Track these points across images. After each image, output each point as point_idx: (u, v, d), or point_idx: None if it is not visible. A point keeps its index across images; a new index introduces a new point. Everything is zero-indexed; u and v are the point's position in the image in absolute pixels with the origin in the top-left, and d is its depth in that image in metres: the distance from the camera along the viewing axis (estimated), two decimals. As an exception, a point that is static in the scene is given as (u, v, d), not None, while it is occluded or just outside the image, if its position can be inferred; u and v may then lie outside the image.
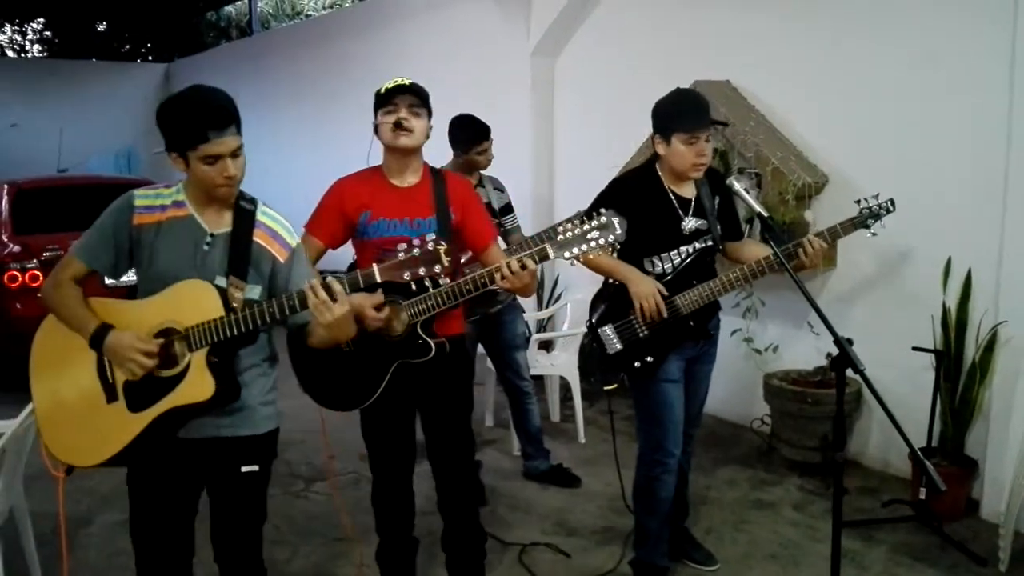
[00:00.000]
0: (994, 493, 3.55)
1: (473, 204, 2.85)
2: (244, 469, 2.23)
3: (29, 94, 12.00)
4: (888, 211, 2.91)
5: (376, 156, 2.82)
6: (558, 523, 3.74)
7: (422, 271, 2.04)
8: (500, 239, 3.90)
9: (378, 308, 2.48)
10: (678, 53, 5.03)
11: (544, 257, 2.31)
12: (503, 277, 2.38)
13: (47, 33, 16.65)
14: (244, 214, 2.20)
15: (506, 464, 4.42)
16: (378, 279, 2.04)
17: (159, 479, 2.24)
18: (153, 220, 2.17)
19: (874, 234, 2.91)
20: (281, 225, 2.25)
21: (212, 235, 2.17)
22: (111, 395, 2.16)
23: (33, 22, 16.48)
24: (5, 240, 6.00)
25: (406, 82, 2.69)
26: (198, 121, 2.02)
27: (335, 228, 2.74)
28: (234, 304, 2.10)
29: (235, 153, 2.07)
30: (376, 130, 2.72)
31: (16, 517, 3.04)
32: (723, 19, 4.80)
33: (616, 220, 2.25)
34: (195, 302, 2.10)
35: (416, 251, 2.04)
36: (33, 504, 3.19)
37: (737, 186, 2.71)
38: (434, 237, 2.08)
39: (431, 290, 2.60)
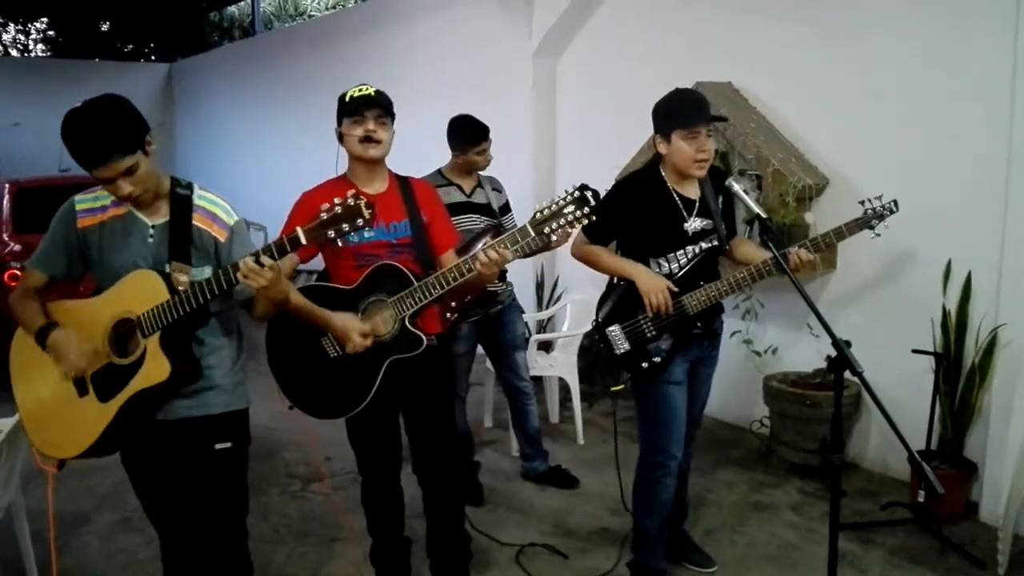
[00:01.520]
0: (993, 496, 3.54)
1: (439, 207, 2.93)
2: (218, 446, 2.32)
3: (32, 93, 12.00)
4: (892, 212, 2.90)
5: (344, 164, 2.85)
6: (556, 524, 3.73)
7: (345, 226, 2.07)
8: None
9: (366, 327, 2.60)
10: (679, 54, 5.02)
11: (525, 235, 2.44)
12: (483, 264, 2.49)
13: (51, 33, 16.67)
14: (180, 200, 2.27)
15: (505, 465, 4.42)
16: (303, 240, 2.08)
17: (147, 462, 2.36)
18: (95, 221, 2.27)
19: (877, 235, 2.91)
20: (218, 206, 2.32)
21: (153, 226, 2.26)
22: (82, 389, 2.28)
23: (37, 22, 16.49)
24: (6, 239, 6.02)
25: (372, 92, 2.71)
26: (76, 156, 2.07)
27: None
28: (180, 287, 2.17)
29: (126, 172, 2.09)
30: (341, 138, 2.76)
31: (12, 515, 3.04)
32: (724, 21, 4.80)
33: (589, 192, 2.39)
34: (143, 290, 2.19)
35: (338, 208, 2.07)
36: (31, 502, 3.19)
37: (736, 187, 2.70)
38: (354, 192, 2.11)
39: (414, 283, 2.62)
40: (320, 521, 3.79)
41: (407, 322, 2.66)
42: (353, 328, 2.60)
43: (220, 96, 11.74)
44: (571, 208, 2.39)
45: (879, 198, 2.91)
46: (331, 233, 2.08)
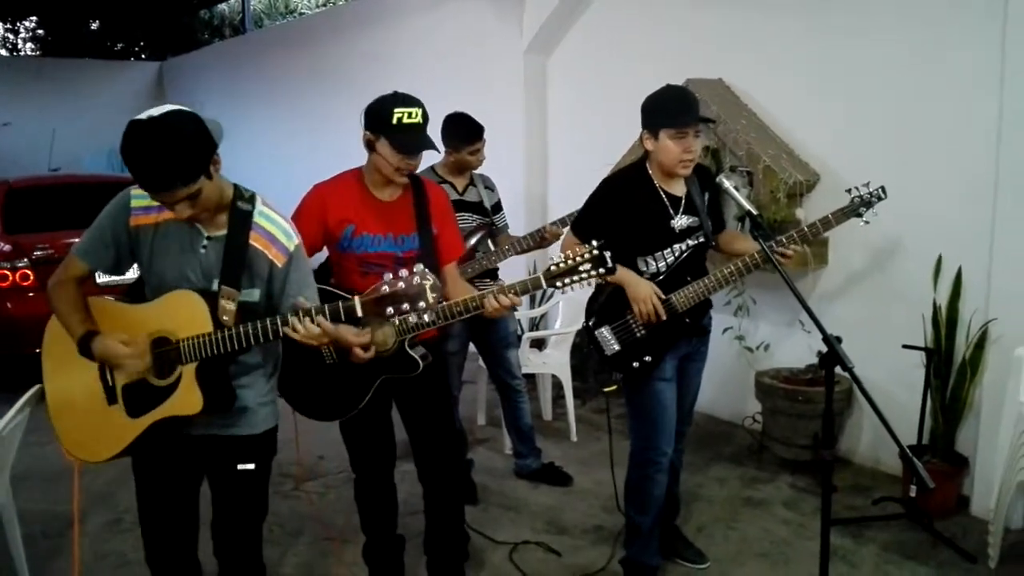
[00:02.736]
0: (984, 490, 3.56)
1: (450, 217, 2.89)
2: (240, 467, 2.25)
3: (21, 93, 11.95)
4: (880, 198, 2.86)
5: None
6: (549, 522, 3.73)
7: (405, 306, 1.98)
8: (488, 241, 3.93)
9: (370, 351, 2.51)
10: (670, 51, 5.02)
11: (537, 287, 2.37)
12: (492, 308, 2.42)
13: (40, 32, 16.60)
14: (240, 216, 2.16)
15: (498, 463, 4.41)
16: (359, 313, 2.01)
17: (161, 469, 2.29)
18: (150, 221, 2.17)
19: (866, 222, 2.87)
20: (279, 227, 2.21)
21: (208, 238, 2.16)
22: (111, 398, 2.23)
23: (26, 20, 16.42)
24: (-4, 239, 5.98)
25: (418, 119, 2.62)
26: (136, 176, 1.99)
27: (314, 235, 2.68)
28: (224, 317, 2.09)
29: (191, 197, 2.00)
30: (370, 145, 2.67)
31: (3, 517, 3.02)
32: (715, 17, 4.80)
33: (608, 253, 2.31)
34: (185, 314, 2.11)
35: (401, 284, 1.98)
36: (22, 504, 3.17)
37: (727, 184, 2.70)
38: (421, 268, 2.00)
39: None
40: (313, 520, 3.78)
41: (406, 344, 2.65)
42: (353, 343, 2.46)
43: (211, 94, 11.69)
44: (587, 266, 2.32)
45: (866, 185, 2.88)
46: (390, 310, 1.98)
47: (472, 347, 4.13)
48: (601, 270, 2.31)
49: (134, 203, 2.17)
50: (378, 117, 2.62)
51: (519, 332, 4.36)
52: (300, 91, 9.33)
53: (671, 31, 5.08)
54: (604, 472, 3.65)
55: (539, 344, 5.32)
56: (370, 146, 2.67)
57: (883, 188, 2.89)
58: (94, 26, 16.18)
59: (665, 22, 5.13)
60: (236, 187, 2.20)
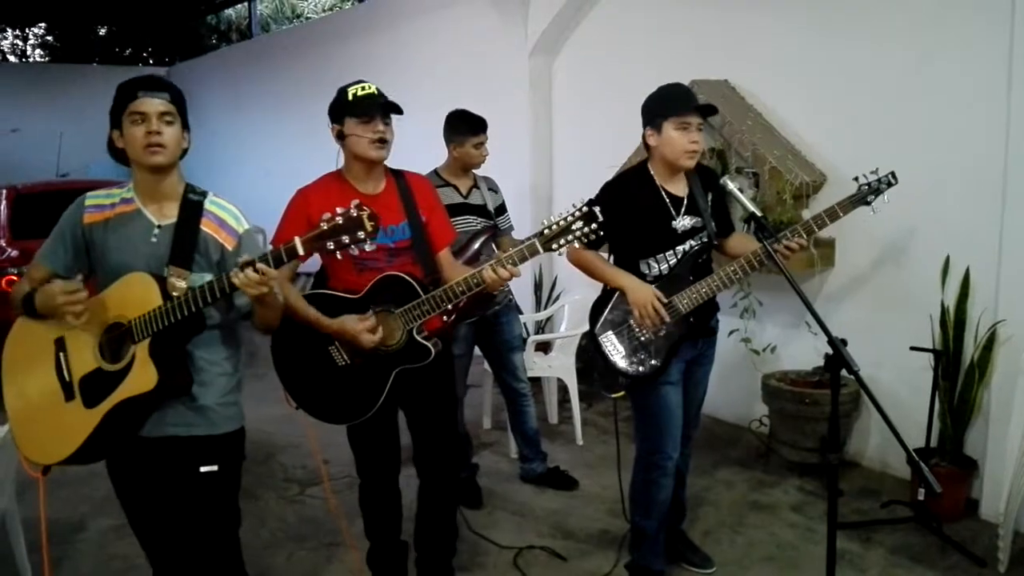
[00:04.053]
0: (994, 493, 3.52)
1: (437, 203, 2.91)
2: (203, 469, 2.24)
3: (30, 99, 12.01)
4: (890, 184, 2.77)
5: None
6: (555, 526, 3.71)
7: (346, 239, 2.01)
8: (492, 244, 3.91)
9: (375, 339, 2.59)
10: (675, 52, 5.00)
11: (533, 252, 2.45)
12: (491, 280, 2.50)
13: (49, 38, 16.68)
14: (191, 204, 2.23)
15: (503, 467, 4.40)
16: (300, 251, 2.04)
17: (133, 477, 2.29)
18: (102, 217, 2.23)
19: (875, 211, 2.78)
20: (228, 212, 2.28)
21: (159, 226, 2.21)
22: (69, 393, 2.22)
23: (35, 27, 16.50)
24: (3, 245, 6.02)
25: (375, 91, 2.69)
26: (132, 84, 2.14)
27: None
28: (174, 293, 2.12)
29: (162, 116, 2.12)
30: (340, 136, 2.71)
31: (7, 523, 3.02)
32: (721, 18, 4.78)
33: (597, 208, 2.41)
34: (137, 294, 2.14)
35: (339, 218, 2.01)
36: (27, 511, 3.17)
37: (731, 186, 2.68)
38: (356, 203, 2.04)
39: (421, 295, 2.61)
40: (317, 525, 3.77)
41: (414, 333, 2.66)
42: (357, 330, 2.58)
43: (218, 99, 11.73)
44: (579, 224, 2.40)
45: (875, 172, 2.80)
46: (330, 245, 2.01)
47: (477, 351, 4.12)
48: (593, 225, 2.40)
49: (88, 202, 2.26)
50: (336, 104, 2.71)
51: (524, 335, 4.34)
52: (306, 95, 9.32)
53: (676, 32, 5.06)
54: (610, 476, 3.63)
55: (545, 347, 5.30)
56: (340, 136, 2.71)
57: (893, 174, 2.79)
58: (102, 32, 16.26)
59: (670, 23, 5.11)
60: (188, 184, 2.28)
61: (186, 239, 2.19)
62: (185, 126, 2.20)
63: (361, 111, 2.64)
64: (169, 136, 2.14)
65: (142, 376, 2.12)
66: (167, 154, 2.15)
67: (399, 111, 2.69)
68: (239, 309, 2.26)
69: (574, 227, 2.40)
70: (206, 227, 2.23)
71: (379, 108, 2.65)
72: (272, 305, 2.19)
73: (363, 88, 2.68)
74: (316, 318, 2.65)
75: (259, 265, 2.02)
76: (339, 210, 2.03)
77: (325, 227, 2.02)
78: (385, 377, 2.69)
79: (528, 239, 2.49)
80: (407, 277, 2.67)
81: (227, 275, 2.07)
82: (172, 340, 2.15)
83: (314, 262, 2.82)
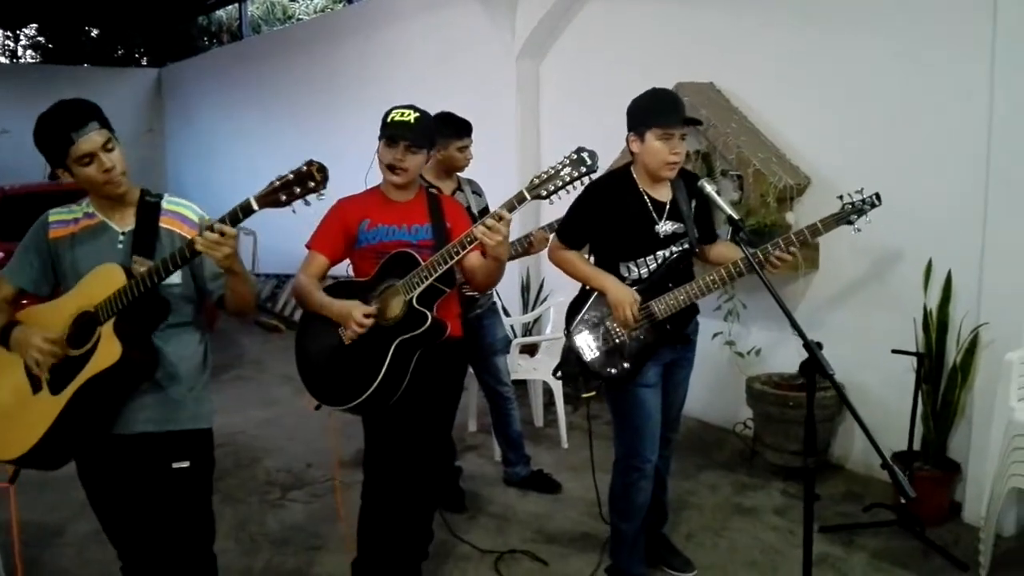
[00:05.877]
0: (976, 496, 3.51)
1: (464, 218, 2.99)
2: (175, 465, 2.25)
3: (20, 100, 11.91)
4: (874, 205, 2.77)
5: (375, 172, 2.91)
6: (537, 530, 3.70)
7: (297, 190, 2.05)
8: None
9: (369, 308, 2.66)
10: (661, 55, 5.00)
11: (522, 200, 2.49)
12: (483, 232, 2.52)
13: (40, 39, 16.63)
14: (148, 206, 2.28)
15: (488, 470, 4.38)
16: (255, 207, 2.07)
17: (104, 478, 2.29)
18: (67, 232, 2.27)
19: (858, 230, 2.78)
20: (187, 208, 2.33)
21: (123, 233, 2.26)
22: (36, 386, 2.24)
23: (26, 28, 16.46)
24: (-12, 247, 5.96)
25: (411, 119, 2.76)
26: (57, 127, 2.11)
27: (337, 243, 2.86)
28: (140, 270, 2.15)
29: (105, 147, 2.14)
30: (379, 151, 2.82)
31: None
32: (706, 21, 4.78)
33: (586, 153, 2.43)
34: (103, 281, 2.16)
35: (290, 174, 2.06)
36: (4, 514, 3.14)
37: (708, 188, 2.66)
38: (309, 160, 2.08)
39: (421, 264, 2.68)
40: (299, 530, 3.75)
41: (415, 302, 2.67)
42: (352, 313, 2.64)
43: (209, 100, 11.71)
44: (568, 170, 2.43)
45: (860, 191, 2.79)
46: (283, 197, 2.06)
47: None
48: (583, 168, 2.42)
49: (52, 218, 2.30)
50: (382, 122, 2.81)
51: (510, 338, 4.33)
52: (297, 96, 9.33)
53: (662, 36, 5.06)
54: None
55: (530, 350, 5.29)
56: (379, 151, 2.82)
57: (877, 195, 2.78)
58: (93, 33, 16.22)
59: (656, 27, 5.11)
60: (143, 189, 2.32)
61: (146, 237, 2.24)
62: (113, 132, 2.21)
63: (388, 135, 2.76)
64: (118, 161, 2.17)
65: (106, 351, 2.13)
66: (125, 180, 2.21)
67: (420, 136, 2.75)
68: (212, 293, 2.31)
69: (563, 172, 2.42)
70: (167, 224, 2.28)
71: (402, 135, 2.72)
72: (240, 274, 2.21)
73: (402, 114, 2.76)
74: (321, 304, 2.74)
75: (217, 225, 2.06)
76: (291, 169, 2.09)
77: (277, 183, 2.07)
78: (384, 351, 2.67)
79: (518, 192, 2.52)
80: (411, 252, 2.73)
81: (188, 241, 2.10)
82: (136, 319, 2.17)
83: (342, 267, 2.98)
